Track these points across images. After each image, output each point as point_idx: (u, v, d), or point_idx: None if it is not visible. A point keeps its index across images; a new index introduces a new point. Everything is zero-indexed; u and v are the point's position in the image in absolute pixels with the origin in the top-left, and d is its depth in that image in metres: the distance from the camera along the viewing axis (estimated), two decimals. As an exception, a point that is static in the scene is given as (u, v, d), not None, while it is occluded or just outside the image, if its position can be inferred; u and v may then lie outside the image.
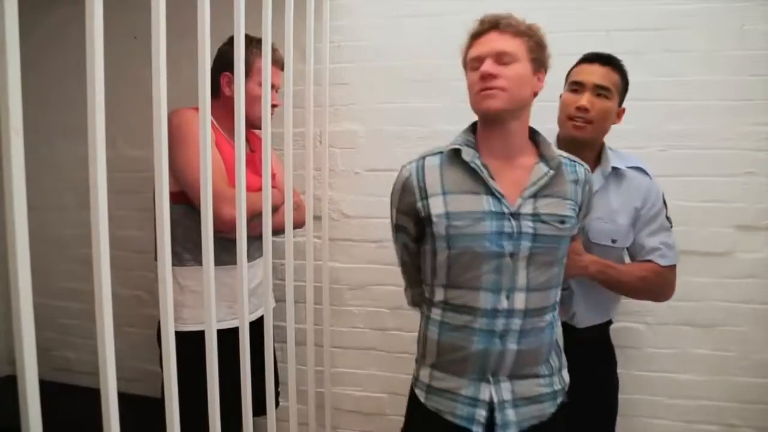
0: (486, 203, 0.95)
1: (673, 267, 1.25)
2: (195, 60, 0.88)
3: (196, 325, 1.26)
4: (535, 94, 0.99)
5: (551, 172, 0.97)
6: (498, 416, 0.95)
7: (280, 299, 1.49)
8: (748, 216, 1.54)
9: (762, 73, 1.51)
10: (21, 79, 0.60)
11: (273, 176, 1.28)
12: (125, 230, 1.90)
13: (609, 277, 1.20)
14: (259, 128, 1.18)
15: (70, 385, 2.01)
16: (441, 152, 1.02)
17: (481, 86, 0.94)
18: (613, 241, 1.23)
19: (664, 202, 1.27)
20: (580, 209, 1.02)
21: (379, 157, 1.76)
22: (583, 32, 1.56)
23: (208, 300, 0.93)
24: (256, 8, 1.08)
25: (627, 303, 1.57)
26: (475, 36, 0.99)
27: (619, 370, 1.40)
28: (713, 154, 1.54)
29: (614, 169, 1.24)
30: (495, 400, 0.96)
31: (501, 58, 0.93)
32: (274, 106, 1.35)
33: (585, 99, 1.18)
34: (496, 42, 0.95)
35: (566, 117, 1.22)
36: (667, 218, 1.26)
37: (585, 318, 1.27)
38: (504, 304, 0.95)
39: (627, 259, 1.31)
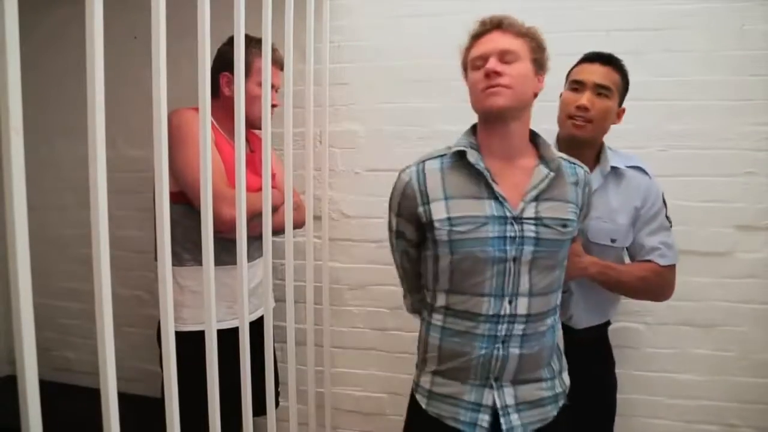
0: (489, 207, 0.94)
1: (672, 267, 1.25)
2: (195, 60, 0.88)
3: (196, 325, 1.26)
4: (535, 95, 0.99)
5: (552, 174, 0.97)
6: (503, 421, 0.95)
7: (280, 299, 1.49)
8: (748, 216, 1.54)
9: (762, 73, 1.51)
10: (21, 79, 0.60)
11: (273, 176, 1.28)
12: (125, 230, 1.90)
13: (609, 278, 1.20)
14: (259, 128, 1.18)
15: (70, 385, 2.02)
16: (441, 156, 1.01)
17: (485, 84, 0.93)
18: (613, 241, 1.23)
19: (664, 202, 1.27)
20: (580, 211, 1.02)
21: (379, 157, 1.76)
22: (583, 32, 1.56)
23: (208, 300, 0.93)
24: (256, 8, 1.08)
25: (626, 303, 1.57)
26: (477, 36, 0.98)
27: (619, 370, 1.40)
28: (713, 154, 1.54)
29: (613, 168, 1.24)
30: (498, 405, 0.96)
31: (504, 56, 0.93)
32: (273, 106, 1.35)
33: (585, 98, 1.18)
34: (499, 41, 0.95)
35: (566, 116, 1.21)
36: (667, 218, 1.26)
37: (583, 319, 1.27)
38: (507, 309, 0.94)
39: (626, 259, 1.31)
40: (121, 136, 1.90)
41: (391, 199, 1.06)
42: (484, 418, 0.96)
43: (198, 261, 1.08)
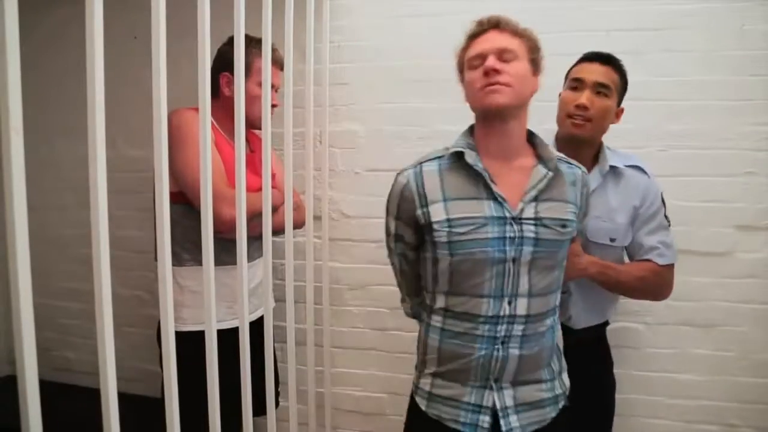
0: (488, 208, 0.94)
1: (671, 266, 1.25)
2: (195, 60, 0.88)
3: (196, 325, 1.26)
4: (532, 95, 0.99)
5: (550, 173, 0.96)
6: (502, 423, 0.95)
7: (280, 299, 1.49)
8: (748, 216, 1.54)
9: (762, 73, 1.51)
10: (21, 79, 0.60)
11: (273, 176, 1.28)
12: (125, 230, 1.90)
13: (608, 278, 1.20)
14: (259, 128, 1.18)
15: (70, 385, 2.02)
16: (439, 157, 1.01)
17: (485, 82, 0.93)
18: (612, 240, 1.23)
19: (663, 201, 1.27)
20: (579, 212, 1.02)
21: (379, 157, 1.76)
22: (583, 32, 1.56)
23: (208, 300, 0.93)
24: (256, 8, 1.08)
25: (626, 303, 1.57)
26: (474, 36, 0.98)
27: (618, 370, 1.40)
28: (713, 154, 1.54)
29: (612, 167, 1.24)
30: (498, 406, 0.96)
31: (503, 54, 0.93)
32: (273, 106, 1.35)
33: (585, 97, 1.18)
34: (497, 40, 0.95)
35: (565, 115, 1.21)
36: (666, 217, 1.26)
37: (582, 319, 1.27)
38: (506, 310, 0.94)
39: (625, 259, 1.31)
40: (121, 136, 1.90)
41: (388, 202, 1.06)
42: (485, 420, 0.96)
43: (198, 261, 1.08)
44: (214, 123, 1.34)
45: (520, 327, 0.95)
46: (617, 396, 1.38)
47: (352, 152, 1.80)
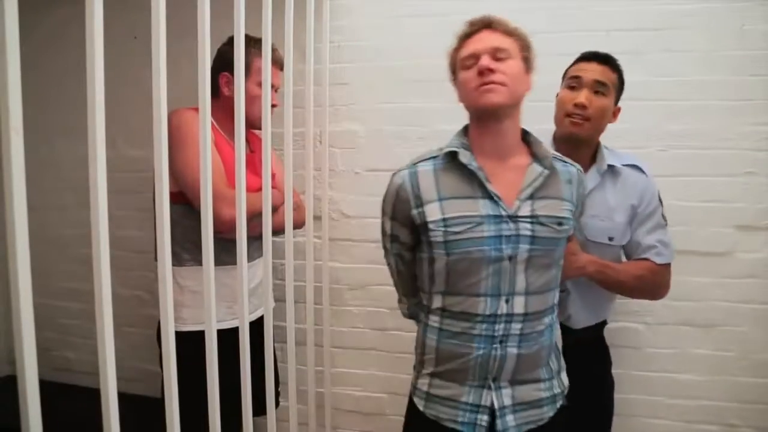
0: (483, 207, 0.94)
1: (668, 265, 1.25)
2: (195, 60, 0.88)
3: (196, 325, 1.26)
4: (525, 93, 0.99)
5: (546, 171, 0.97)
6: (499, 423, 0.95)
7: (279, 299, 1.49)
8: (748, 216, 1.54)
9: (762, 73, 1.51)
10: (21, 79, 0.60)
11: (273, 176, 1.28)
12: (125, 230, 1.90)
13: (607, 277, 1.20)
14: (259, 128, 1.18)
15: (70, 385, 2.02)
16: (433, 157, 1.01)
17: (479, 82, 0.93)
18: (610, 239, 1.23)
19: (660, 200, 1.27)
20: (575, 209, 1.02)
21: (379, 157, 1.76)
22: (583, 32, 1.56)
23: (208, 300, 0.93)
24: (256, 8, 1.08)
25: (626, 303, 1.58)
26: (466, 36, 0.98)
27: (618, 371, 1.40)
28: (713, 154, 1.54)
29: (610, 166, 1.24)
30: (496, 405, 0.96)
31: (496, 54, 0.93)
32: (273, 106, 1.35)
33: (583, 96, 1.19)
34: (490, 39, 0.95)
35: (564, 114, 1.21)
36: (663, 216, 1.27)
37: (581, 319, 1.27)
38: (503, 308, 0.94)
39: (622, 258, 1.31)
40: (121, 136, 1.90)
41: (384, 202, 1.06)
42: (483, 419, 0.96)
43: (197, 261, 1.08)
44: (214, 123, 1.34)
45: (518, 326, 0.95)
46: (617, 396, 1.38)
47: (352, 152, 1.80)
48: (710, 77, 1.53)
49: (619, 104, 1.26)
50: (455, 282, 0.97)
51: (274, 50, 1.26)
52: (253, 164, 1.41)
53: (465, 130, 1.03)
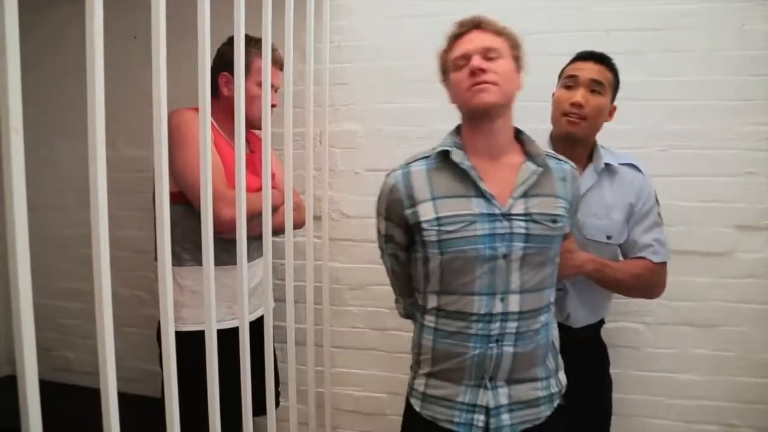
0: (476, 205, 0.94)
1: (664, 264, 1.26)
2: (195, 60, 0.88)
3: (196, 325, 1.26)
4: (516, 92, 0.99)
5: (539, 169, 0.97)
6: (492, 421, 0.95)
7: (279, 299, 1.49)
8: (748, 216, 1.54)
9: (762, 73, 1.51)
10: (21, 79, 0.60)
11: (272, 176, 1.28)
12: (125, 230, 1.90)
13: (605, 276, 1.20)
14: (258, 128, 1.18)
15: (70, 385, 2.02)
16: (426, 157, 1.01)
17: (471, 82, 0.93)
18: (608, 238, 1.23)
19: (656, 199, 1.27)
20: (570, 207, 1.01)
21: (379, 157, 1.76)
22: (583, 32, 1.56)
23: (208, 300, 0.93)
24: (256, 8, 1.08)
25: (626, 303, 1.58)
26: (457, 37, 0.99)
27: (618, 370, 1.40)
28: (713, 154, 1.54)
29: (607, 165, 1.25)
30: (492, 405, 0.96)
31: (487, 53, 0.94)
32: (272, 106, 1.35)
33: (579, 95, 1.19)
34: (480, 39, 0.95)
35: (561, 113, 1.22)
36: (659, 214, 1.27)
37: (580, 318, 1.28)
38: (499, 307, 0.94)
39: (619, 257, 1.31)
40: (121, 136, 1.90)
41: (378, 203, 1.06)
42: (480, 419, 0.96)
43: (197, 261, 1.08)
44: (214, 123, 1.34)
45: (514, 324, 0.95)
46: (617, 396, 1.38)
47: (352, 152, 1.80)
48: (710, 77, 1.53)
49: (616, 103, 1.27)
50: (450, 281, 0.97)
51: (273, 50, 1.26)
52: (253, 164, 1.41)
53: (457, 130, 1.04)
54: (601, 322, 1.37)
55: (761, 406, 1.56)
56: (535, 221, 0.94)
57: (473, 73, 0.93)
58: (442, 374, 0.99)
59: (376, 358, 1.82)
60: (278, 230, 1.29)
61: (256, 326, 1.23)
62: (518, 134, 1.03)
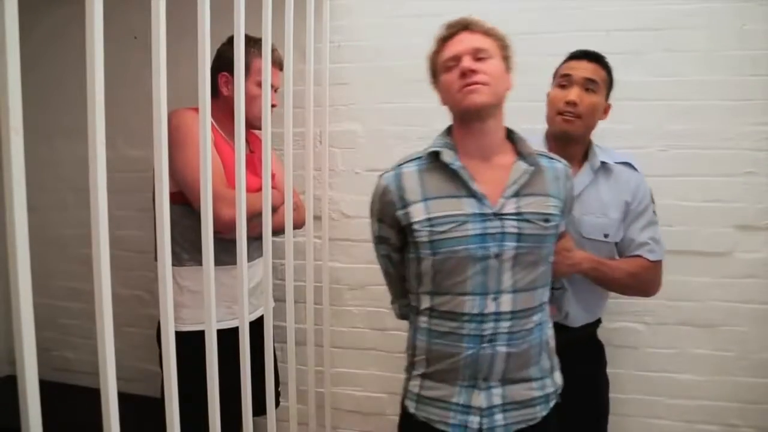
0: (468, 205, 0.94)
1: (660, 262, 1.26)
2: (195, 60, 0.88)
3: (195, 325, 1.26)
4: (507, 92, 0.99)
5: (531, 168, 0.97)
6: (485, 422, 0.95)
7: (279, 299, 1.49)
8: (748, 216, 1.54)
9: (762, 73, 1.51)
10: (21, 79, 0.60)
11: (272, 176, 1.28)
12: (125, 230, 1.90)
13: (602, 274, 1.20)
14: (258, 128, 1.18)
15: (70, 385, 2.02)
16: (418, 158, 1.02)
17: (462, 83, 0.93)
18: (605, 236, 1.24)
19: (652, 197, 1.28)
20: (563, 205, 1.01)
21: (379, 157, 1.75)
22: (583, 32, 1.56)
23: (208, 300, 0.93)
24: (256, 8, 1.08)
25: (626, 303, 1.58)
26: (446, 39, 0.99)
27: (618, 370, 1.40)
28: (713, 154, 1.54)
29: (603, 163, 1.25)
30: (485, 405, 0.95)
31: (477, 54, 0.94)
32: (272, 106, 1.35)
33: (573, 93, 1.20)
34: (470, 40, 0.96)
35: (555, 112, 1.23)
36: (654, 213, 1.27)
37: (578, 317, 1.28)
38: (491, 307, 0.94)
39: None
40: (121, 136, 1.90)
41: (371, 204, 1.07)
42: (474, 420, 0.96)
43: (196, 261, 1.08)
44: (214, 123, 1.34)
45: (507, 324, 0.95)
46: (617, 396, 1.38)
47: (352, 152, 1.80)
48: (710, 77, 1.53)
49: (615, 102, 1.28)
50: (441, 281, 0.97)
51: (273, 50, 1.26)
52: (253, 164, 1.41)
53: (448, 131, 1.04)
54: (599, 321, 1.37)
55: (762, 406, 1.56)
56: (527, 220, 0.94)
57: (464, 74, 0.93)
58: (437, 375, 0.99)
59: (376, 358, 1.82)
60: (278, 230, 1.29)
61: (256, 326, 1.23)
62: (510, 134, 1.03)
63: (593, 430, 1.32)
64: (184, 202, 1.28)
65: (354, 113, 1.79)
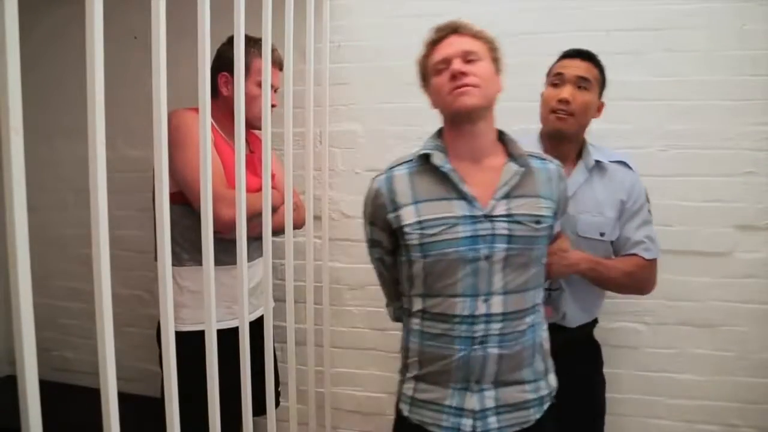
0: (458, 208, 0.94)
1: (655, 261, 1.26)
2: (195, 60, 0.88)
3: (195, 325, 1.26)
4: (497, 94, 1.00)
5: (521, 170, 0.97)
6: (479, 424, 0.95)
7: (279, 299, 1.49)
8: (748, 216, 1.54)
9: (762, 73, 1.51)
10: (21, 79, 0.60)
11: (272, 177, 1.28)
12: (125, 230, 1.90)
13: (599, 274, 1.20)
14: (258, 128, 1.18)
15: (70, 385, 2.01)
16: (409, 161, 1.02)
17: (453, 85, 0.94)
18: (602, 235, 1.24)
19: (647, 196, 1.28)
20: (557, 206, 1.01)
21: (379, 157, 1.75)
22: (583, 32, 1.56)
23: (208, 300, 0.93)
24: (256, 8, 1.08)
25: (626, 303, 1.58)
26: (435, 42, 1.00)
27: (618, 371, 1.40)
28: (713, 154, 1.54)
29: (597, 162, 1.26)
30: (477, 408, 0.95)
31: (467, 56, 0.95)
32: (272, 106, 1.35)
33: (566, 91, 1.21)
34: (459, 43, 0.96)
35: (549, 111, 1.23)
36: (649, 211, 1.28)
37: (576, 317, 1.28)
38: (481, 309, 0.94)
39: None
40: (121, 136, 1.90)
41: (364, 208, 1.07)
42: (467, 423, 0.95)
43: (196, 261, 1.08)
44: (213, 123, 1.34)
45: (498, 325, 0.94)
46: (617, 396, 1.38)
47: (352, 152, 1.80)
48: (710, 77, 1.53)
49: (606, 101, 1.28)
50: (433, 283, 0.97)
51: (273, 50, 1.26)
52: (253, 165, 1.41)
53: (439, 133, 1.04)
54: (595, 321, 1.37)
55: (762, 406, 1.56)
56: (517, 222, 0.94)
57: (454, 76, 0.93)
58: (429, 377, 0.99)
59: (376, 358, 1.82)
60: (278, 230, 1.29)
61: (256, 326, 1.23)
62: (501, 136, 1.03)
63: (590, 430, 1.32)
64: (184, 202, 1.28)
65: (354, 113, 1.79)
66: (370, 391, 1.84)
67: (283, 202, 1.31)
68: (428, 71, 1.01)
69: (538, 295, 1.01)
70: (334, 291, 1.80)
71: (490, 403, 0.96)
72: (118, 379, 0.75)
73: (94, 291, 0.72)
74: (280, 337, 1.53)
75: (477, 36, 0.98)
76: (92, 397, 0.77)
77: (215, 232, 0.95)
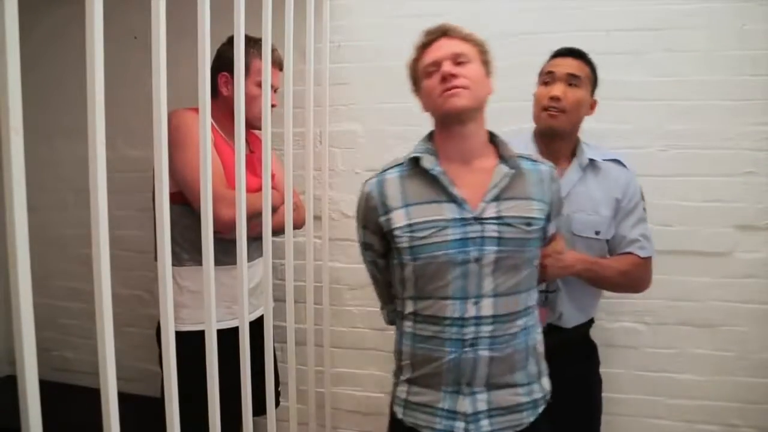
0: (448, 210, 0.95)
1: (650, 259, 1.26)
2: (195, 60, 0.88)
3: (195, 325, 1.26)
4: (487, 96, 1.00)
5: (511, 172, 0.97)
6: (472, 427, 0.95)
7: (279, 299, 1.49)
8: (748, 216, 1.54)
9: (762, 73, 1.51)
10: (21, 79, 0.60)
11: (272, 177, 1.28)
12: (125, 230, 1.90)
13: (595, 274, 1.20)
14: (258, 128, 1.18)
15: (70, 385, 2.01)
16: (400, 164, 1.02)
17: (443, 87, 0.94)
18: (597, 233, 1.24)
19: (642, 194, 1.28)
20: (549, 208, 1.01)
21: (379, 157, 1.74)
22: (583, 32, 1.56)
23: (208, 300, 0.93)
24: (256, 8, 1.08)
25: (626, 303, 1.58)
26: (425, 45, 1.00)
27: (619, 370, 1.40)
28: (713, 154, 1.54)
29: (591, 161, 1.26)
30: (470, 411, 0.95)
31: (457, 59, 0.95)
32: (272, 106, 1.35)
33: (557, 89, 1.21)
34: (449, 46, 0.97)
35: (541, 109, 1.24)
36: (644, 210, 1.28)
37: (572, 317, 1.28)
38: (471, 311, 0.94)
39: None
40: (121, 136, 1.90)
41: (356, 211, 1.07)
42: (460, 426, 0.95)
43: (196, 261, 1.08)
44: (213, 123, 1.34)
45: (488, 328, 0.94)
46: (617, 396, 1.38)
47: (352, 152, 1.80)
48: (710, 77, 1.53)
49: (599, 99, 1.29)
50: (423, 286, 0.97)
51: (273, 50, 1.26)
52: (253, 165, 1.41)
53: (430, 136, 1.05)
54: (591, 321, 1.37)
55: (762, 406, 1.56)
56: (507, 224, 0.94)
57: (444, 78, 0.94)
58: (422, 380, 0.99)
59: (375, 358, 1.82)
60: (278, 230, 1.29)
61: (256, 326, 1.23)
62: (492, 137, 1.03)
63: (587, 429, 1.32)
64: (184, 202, 1.28)
65: (354, 113, 1.79)
66: (370, 391, 1.84)
67: (283, 202, 1.31)
68: (419, 74, 1.01)
69: (531, 298, 1.01)
70: (334, 291, 1.80)
71: (482, 406, 0.96)
72: (118, 379, 0.75)
73: (94, 291, 0.72)
74: (280, 337, 1.53)
75: (467, 39, 0.98)
76: (92, 397, 0.77)
77: (215, 232, 0.95)
